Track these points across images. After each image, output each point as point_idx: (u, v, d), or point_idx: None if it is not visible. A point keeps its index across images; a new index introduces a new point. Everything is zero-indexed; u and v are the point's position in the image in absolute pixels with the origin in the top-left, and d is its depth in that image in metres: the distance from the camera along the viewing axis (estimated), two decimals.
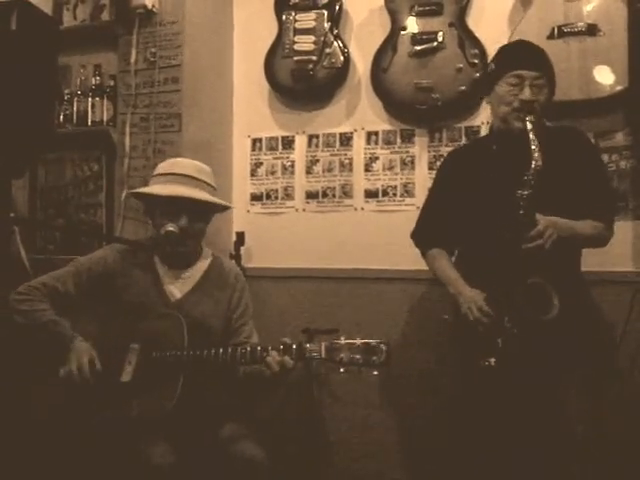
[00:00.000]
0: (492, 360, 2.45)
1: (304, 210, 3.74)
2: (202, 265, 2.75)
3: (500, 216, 2.50)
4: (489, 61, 2.96)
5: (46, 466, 2.49)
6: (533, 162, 2.45)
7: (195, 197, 2.61)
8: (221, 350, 2.46)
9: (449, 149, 3.37)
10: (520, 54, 2.68)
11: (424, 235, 2.90)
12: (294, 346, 2.40)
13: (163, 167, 2.71)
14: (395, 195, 3.57)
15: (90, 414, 2.44)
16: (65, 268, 2.70)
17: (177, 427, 2.43)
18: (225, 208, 2.82)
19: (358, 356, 2.33)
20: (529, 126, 2.51)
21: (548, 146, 2.52)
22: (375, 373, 2.34)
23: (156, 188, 2.62)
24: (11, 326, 2.56)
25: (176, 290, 2.67)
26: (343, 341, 2.36)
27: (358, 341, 2.35)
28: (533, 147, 2.46)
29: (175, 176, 2.63)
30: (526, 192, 2.45)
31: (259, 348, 2.43)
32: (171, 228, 2.51)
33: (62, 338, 2.50)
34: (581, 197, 2.58)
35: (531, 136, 2.48)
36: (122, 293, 2.63)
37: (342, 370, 2.36)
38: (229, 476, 2.43)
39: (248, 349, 2.46)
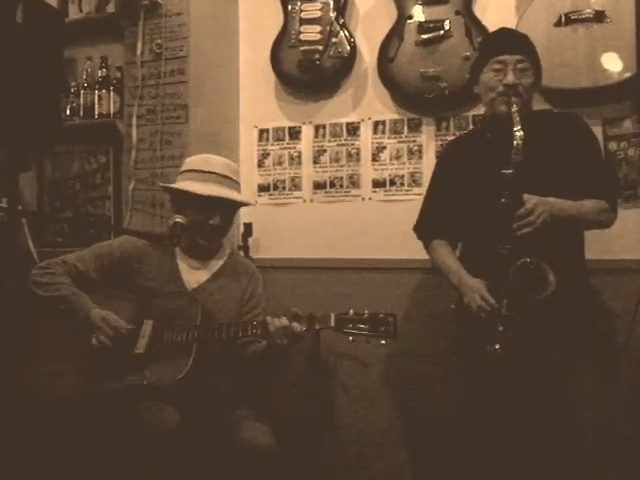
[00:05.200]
0: (497, 346, 2.46)
1: (311, 200, 3.73)
2: (220, 258, 2.83)
3: (493, 200, 2.51)
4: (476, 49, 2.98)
5: (56, 431, 2.56)
6: (515, 141, 2.45)
7: (237, 200, 2.75)
8: (233, 323, 2.55)
9: (452, 139, 3.36)
10: (501, 40, 2.74)
11: (426, 227, 2.91)
12: (304, 316, 2.49)
13: (196, 163, 2.76)
14: (402, 185, 3.56)
15: (102, 383, 2.52)
16: (86, 250, 2.79)
17: (185, 399, 2.49)
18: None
19: (366, 326, 2.42)
20: (514, 108, 2.53)
21: (546, 130, 2.56)
22: (383, 342, 2.43)
23: (195, 186, 2.66)
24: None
25: (193, 280, 2.75)
26: (352, 313, 2.46)
27: (366, 313, 2.45)
28: (516, 128, 2.47)
29: (213, 175, 2.70)
30: (509, 171, 2.45)
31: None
32: (179, 220, 2.52)
33: (80, 308, 2.61)
34: (581, 178, 2.58)
35: (515, 117, 2.50)
36: (140, 280, 2.72)
37: (351, 339, 2.45)
38: (237, 460, 2.47)
39: (259, 320, 2.55)
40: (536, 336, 2.47)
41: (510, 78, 2.59)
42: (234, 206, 2.78)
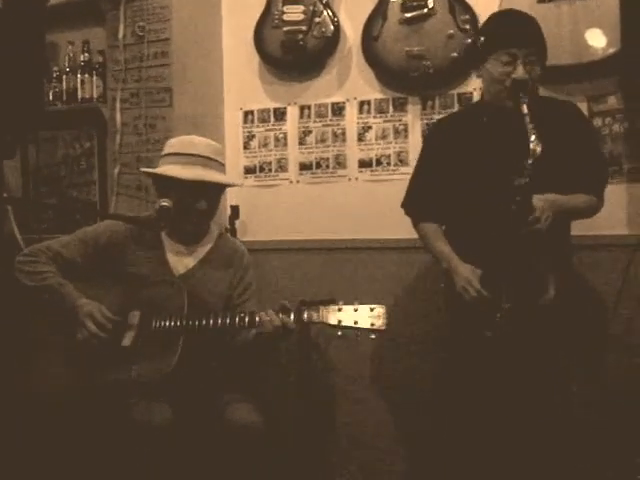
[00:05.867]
0: (488, 332, 2.47)
1: (298, 182, 3.73)
2: (208, 242, 2.78)
3: (493, 196, 2.49)
4: (479, 31, 2.87)
5: (45, 427, 2.55)
6: (531, 150, 2.38)
7: (221, 182, 2.69)
8: (221, 314, 2.51)
9: (442, 116, 3.35)
10: (511, 29, 2.60)
11: (415, 206, 2.86)
12: (292, 309, 2.46)
13: (177, 146, 2.69)
14: (389, 164, 3.56)
15: (89, 378, 2.49)
16: (71, 236, 2.75)
17: (175, 391, 2.47)
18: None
19: (356, 320, 2.37)
20: (525, 110, 2.43)
21: (539, 119, 2.47)
22: (372, 337, 2.39)
23: (176, 170, 2.59)
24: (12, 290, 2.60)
25: (180, 265, 2.72)
26: (341, 305, 2.40)
27: (356, 306, 2.39)
28: (532, 136, 2.38)
29: (193, 157, 2.62)
30: (524, 181, 2.40)
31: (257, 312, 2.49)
32: (165, 203, 2.50)
33: (66, 299, 2.57)
34: (573, 170, 2.56)
35: (527, 120, 2.41)
36: (126, 265, 2.68)
37: (339, 334, 2.41)
38: (226, 441, 2.48)
39: (247, 312, 2.51)
40: (528, 324, 2.48)
41: (520, 73, 2.49)
42: (220, 188, 2.73)
